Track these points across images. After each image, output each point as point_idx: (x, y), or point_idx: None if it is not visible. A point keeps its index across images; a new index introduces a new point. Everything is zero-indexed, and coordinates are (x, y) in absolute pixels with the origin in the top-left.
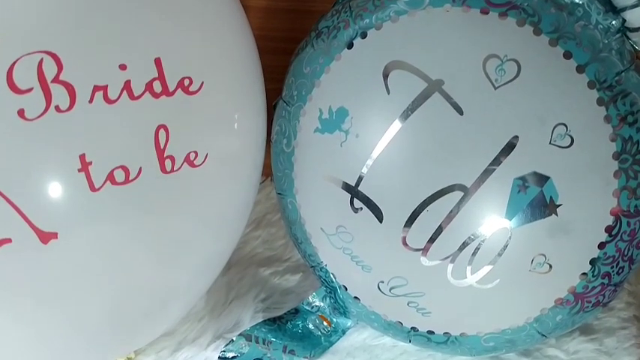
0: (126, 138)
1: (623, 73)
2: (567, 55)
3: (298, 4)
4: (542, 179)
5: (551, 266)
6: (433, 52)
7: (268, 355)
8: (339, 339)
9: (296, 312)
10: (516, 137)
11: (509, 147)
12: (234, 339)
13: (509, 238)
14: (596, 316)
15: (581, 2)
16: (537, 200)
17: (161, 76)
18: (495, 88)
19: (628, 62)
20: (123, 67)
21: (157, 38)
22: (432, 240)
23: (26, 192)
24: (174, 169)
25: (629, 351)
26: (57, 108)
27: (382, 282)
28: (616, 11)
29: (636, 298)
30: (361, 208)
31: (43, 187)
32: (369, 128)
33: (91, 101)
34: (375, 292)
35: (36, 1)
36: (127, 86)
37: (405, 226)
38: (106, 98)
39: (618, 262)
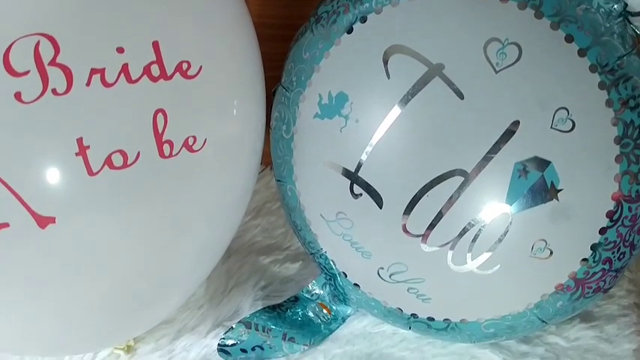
0: (124, 122)
1: (624, 57)
2: (569, 39)
3: None
4: (543, 164)
5: (551, 252)
6: (434, 36)
7: (268, 342)
8: (338, 326)
9: (296, 300)
10: (517, 122)
11: (510, 131)
12: (233, 326)
13: (510, 223)
14: (596, 302)
15: None
16: (538, 185)
17: (159, 60)
18: (496, 72)
19: (630, 46)
20: (120, 50)
21: (155, 22)
22: (432, 226)
23: (23, 176)
24: (173, 153)
25: (629, 338)
26: (54, 91)
27: (382, 268)
28: None
29: (637, 285)
30: (361, 194)
31: (41, 170)
32: (368, 113)
33: (88, 84)
34: (375, 279)
35: None
36: (125, 69)
37: (405, 211)
38: (103, 81)
39: (619, 248)
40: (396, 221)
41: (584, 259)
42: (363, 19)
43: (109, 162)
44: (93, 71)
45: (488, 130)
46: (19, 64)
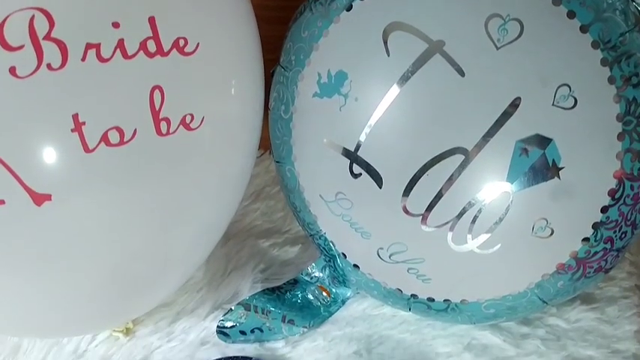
0: (120, 98)
1: (627, 34)
2: (571, 15)
3: None
4: (545, 141)
5: (553, 231)
6: (434, 12)
7: (267, 324)
8: (338, 309)
9: (295, 282)
10: (518, 99)
11: (512, 109)
12: (232, 308)
13: (511, 202)
14: (597, 283)
15: None
16: (539, 163)
17: (155, 36)
18: (497, 49)
19: (632, 23)
20: (116, 24)
21: None
22: (432, 205)
23: (18, 152)
24: (170, 131)
25: (630, 320)
26: (49, 66)
27: (382, 248)
28: None
29: (638, 267)
30: (360, 174)
31: (36, 147)
32: (368, 92)
33: (83, 59)
34: (375, 259)
35: None
36: (121, 45)
37: (404, 190)
38: (99, 56)
39: (621, 227)
40: (396, 201)
41: (586, 239)
42: None
43: (105, 139)
44: (88, 46)
45: (489, 108)
46: (14, 39)
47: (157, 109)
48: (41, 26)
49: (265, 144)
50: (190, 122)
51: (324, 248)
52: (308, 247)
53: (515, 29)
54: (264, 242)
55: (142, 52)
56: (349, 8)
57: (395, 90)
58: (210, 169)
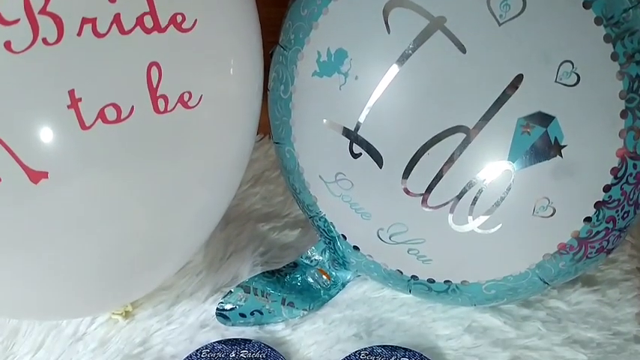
0: (117, 74)
1: (630, 10)
2: None
3: None
4: (547, 119)
5: (554, 210)
6: None
7: (267, 306)
8: (338, 292)
9: (295, 266)
10: (521, 75)
11: (513, 86)
12: (232, 290)
13: (512, 180)
14: (599, 264)
15: None
16: (541, 141)
17: (152, 11)
18: (500, 25)
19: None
20: None
21: None
22: (432, 185)
23: (14, 128)
24: (168, 109)
25: (631, 302)
26: (44, 40)
27: (382, 229)
28: None
29: (639, 250)
30: (360, 154)
31: (32, 123)
32: (368, 70)
33: (79, 34)
34: (375, 240)
35: None
36: (117, 20)
37: (405, 170)
38: (95, 31)
39: (623, 206)
40: (396, 181)
41: (588, 218)
42: None
43: (102, 116)
44: (84, 21)
45: (490, 85)
46: (9, 13)
47: (155, 86)
48: (37, 0)
49: (264, 129)
50: (188, 100)
51: (324, 230)
52: (308, 230)
53: (518, 5)
54: (263, 226)
55: (138, 27)
56: None
57: (395, 68)
58: (208, 148)
